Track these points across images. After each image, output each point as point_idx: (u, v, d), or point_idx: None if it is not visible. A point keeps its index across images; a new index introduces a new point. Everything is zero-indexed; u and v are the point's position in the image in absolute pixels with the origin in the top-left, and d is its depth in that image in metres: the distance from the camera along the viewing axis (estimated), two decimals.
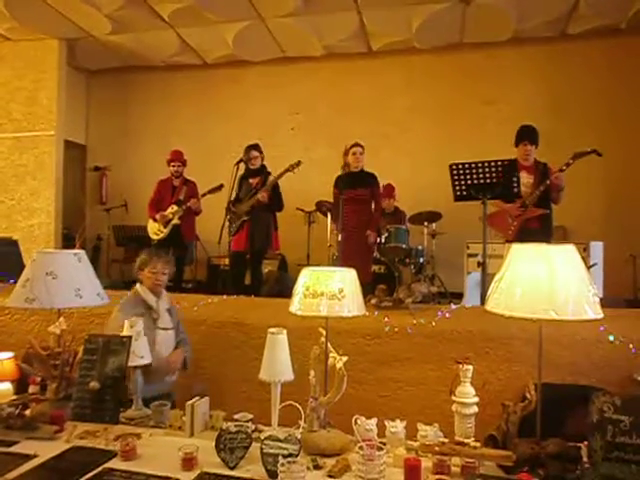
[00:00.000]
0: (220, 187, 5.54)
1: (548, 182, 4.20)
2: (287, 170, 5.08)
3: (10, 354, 2.59)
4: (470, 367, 2.01)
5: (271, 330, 2.20)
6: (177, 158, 5.74)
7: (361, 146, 4.98)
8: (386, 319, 3.16)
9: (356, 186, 4.85)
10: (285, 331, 2.21)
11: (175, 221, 5.51)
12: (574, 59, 6.57)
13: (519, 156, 4.40)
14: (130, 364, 2.33)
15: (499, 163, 3.94)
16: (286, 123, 7.46)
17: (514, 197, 4.19)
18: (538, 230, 4.22)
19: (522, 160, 4.37)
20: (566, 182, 4.30)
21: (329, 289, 2.00)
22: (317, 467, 1.84)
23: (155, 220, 5.56)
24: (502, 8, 5.82)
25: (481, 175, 3.95)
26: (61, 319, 2.37)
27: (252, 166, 5.23)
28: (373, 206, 5.02)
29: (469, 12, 5.92)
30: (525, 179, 4.34)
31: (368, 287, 3.30)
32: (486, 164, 3.94)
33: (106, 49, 7.16)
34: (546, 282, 1.66)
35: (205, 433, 2.16)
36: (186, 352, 2.96)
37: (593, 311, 1.66)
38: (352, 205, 4.78)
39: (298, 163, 5.06)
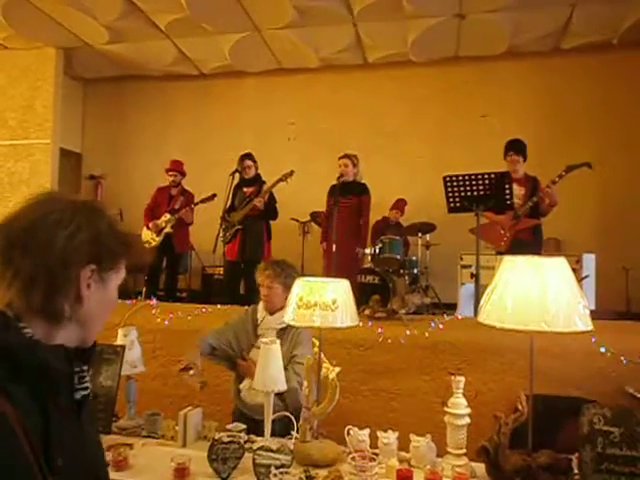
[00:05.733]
0: (212, 197, 5.55)
1: (542, 194, 4.25)
2: (280, 180, 5.12)
3: None
4: (462, 378, 2.02)
5: (264, 340, 2.21)
6: (175, 168, 5.76)
7: (348, 157, 5.06)
8: (379, 330, 3.17)
9: (345, 194, 4.89)
10: (279, 341, 2.22)
11: (168, 230, 5.51)
12: (568, 73, 6.64)
13: (509, 168, 4.47)
14: (123, 373, 2.33)
15: (492, 175, 3.97)
16: (282, 134, 7.50)
17: (507, 208, 4.23)
18: (530, 242, 4.26)
19: (512, 172, 4.44)
20: (559, 194, 4.35)
21: (322, 300, 2.01)
22: (309, 478, 1.84)
23: (149, 228, 5.57)
24: (497, 23, 5.88)
25: (474, 187, 3.99)
26: None
27: (246, 175, 5.28)
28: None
29: (464, 26, 5.98)
30: (517, 191, 4.41)
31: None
32: (479, 176, 3.98)
33: (103, 58, 7.18)
34: (537, 294, 1.68)
35: (198, 443, 2.15)
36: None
37: (583, 323, 1.68)
38: (340, 213, 4.78)
39: (291, 173, 5.10)
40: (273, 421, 2.36)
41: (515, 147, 4.48)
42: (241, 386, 2.60)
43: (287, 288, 2.58)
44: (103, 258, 0.94)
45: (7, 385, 0.80)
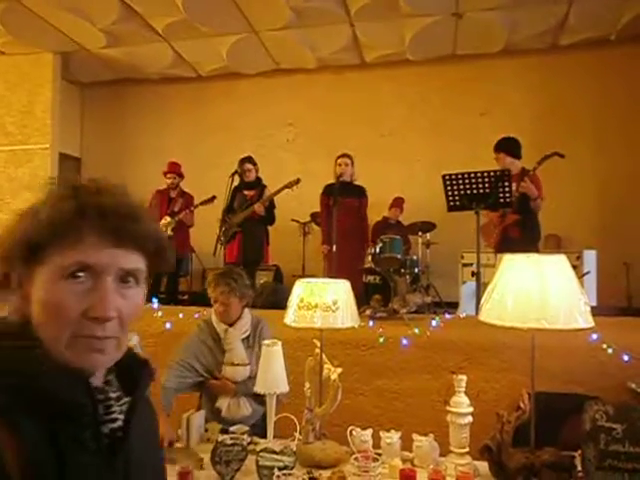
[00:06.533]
0: (212, 199, 5.55)
1: (521, 186, 4.19)
2: (285, 187, 5.10)
3: None
4: (464, 377, 2.02)
5: (266, 342, 2.21)
6: (173, 170, 5.76)
7: (348, 157, 5.06)
8: (381, 330, 3.17)
9: (345, 195, 4.87)
10: (280, 343, 2.22)
11: (168, 233, 5.51)
12: (566, 70, 6.64)
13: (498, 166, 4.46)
14: None
15: (491, 174, 3.97)
16: (280, 135, 7.50)
17: (505, 206, 4.21)
18: (518, 239, 4.23)
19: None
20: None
21: (323, 301, 2.01)
22: (313, 479, 1.84)
23: None
24: (494, 21, 5.89)
25: (474, 185, 3.98)
26: None
27: (247, 178, 5.27)
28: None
29: (461, 25, 5.98)
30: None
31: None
32: (479, 174, 3.97)
33: (100, 62, 7.18)
34: (537, 292, 1.68)
35: (201, 446, 2.15)
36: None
37: (584, 320, 1.68)
38: (340, 212, 4.75)
39: (297, 181, 5.07)
40: (253, 425, 2.37)
41: (496, 146, 4.47)
42: (218, 405, 2.49)
43: (242, 298, 2.60)
44: (23, 248, 0.74)
45: (15, 417, 0.67)
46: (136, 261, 0.77)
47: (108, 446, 0.74)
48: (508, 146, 4.43)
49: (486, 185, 3.96)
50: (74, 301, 0.71)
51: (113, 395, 0.77)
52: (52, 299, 0.71)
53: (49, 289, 0.71)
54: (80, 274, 0.72)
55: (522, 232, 4.28)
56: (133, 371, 0.81)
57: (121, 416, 0.77)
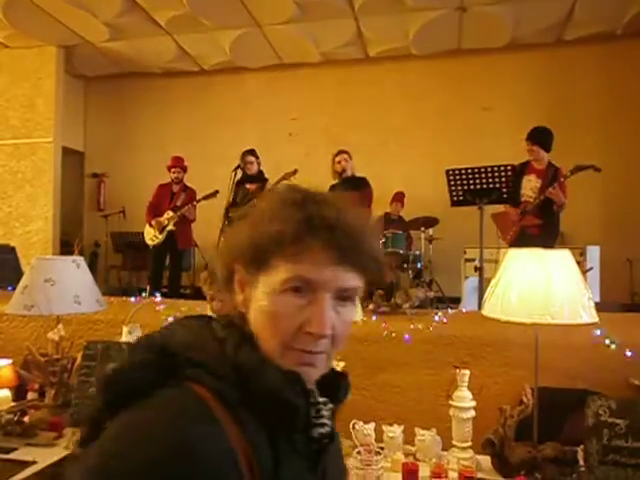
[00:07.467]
0: (215, 193, 5.55)
1: (548, 192, 4.17)
2: (283, 178, 5.10)
3: (8, 361, 2.58)
4: (467, 372, 2.02)
5: None
6: (177, 164, 5.76)
7: (346, 152, 5.08)
8: (384, 324, 3.16)
9: (347, 189, 4.87)
10: None
11: (170, 227, 5.52)
12: (571, 65, 6.61)
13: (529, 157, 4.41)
14: None
15: (495, 169, 3.95)
16: (284, 129, 7.49)
17: (507, 202, 4.20)
18: (537, 235, 4.23)
19: (532, 162, 4.38)
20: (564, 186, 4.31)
21: None
22: None
23: (151, 225, 5.58)
24: (499, 15, 5.86)
25: (477, 181, 3.97)
26: (60, 326, 2.37)
27: (249, 171, 5.28)
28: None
29: (466, 19, 5.95)
30: (533, 182, 4.33)
31: None
32: (482, 170, 3.96)
33: (104, 56, 7.18)
34: (542, 287, 1.68)
35: None
36: None
37: (588, 315, 1.68)
38: None
39: (294, 171, 5.08)
40: None
41: (530, 135, 4.38)
42: None
43: None
44: (248, 253, 0.74)
45: (241, 413, 0.67)
46: (355, 279, 0.74)
47: (315, 451, 0.74)
48: (543, 138, 4.35)
49: (489, 180, 3.95)
50: (293, 314, 0.71)
51: (321, 400, 0.77)
52: (273, 310, 0.71)
53: (271, 300, 0.72)
54: (301, 288, 0.71)
55: (541, 232, 4.27)
56: (331, 381, 0.80)
57: (329, 422, 0.76)
